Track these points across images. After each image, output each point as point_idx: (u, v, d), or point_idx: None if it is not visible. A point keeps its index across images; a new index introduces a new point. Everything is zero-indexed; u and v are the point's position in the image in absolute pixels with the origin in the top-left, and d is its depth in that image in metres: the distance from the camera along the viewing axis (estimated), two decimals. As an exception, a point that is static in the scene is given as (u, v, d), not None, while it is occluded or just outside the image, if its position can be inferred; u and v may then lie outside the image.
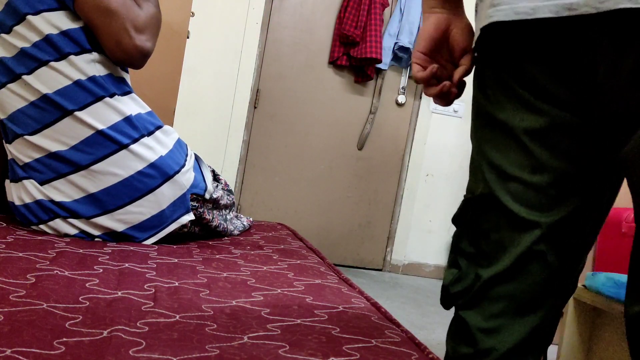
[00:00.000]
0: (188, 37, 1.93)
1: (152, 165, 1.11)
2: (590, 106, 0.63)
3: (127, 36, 1.09)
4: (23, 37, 1.07)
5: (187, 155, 1.20)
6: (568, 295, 0.72)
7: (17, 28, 1.08)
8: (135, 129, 1.11)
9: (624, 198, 2.81)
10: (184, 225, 1.19)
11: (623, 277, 1.71)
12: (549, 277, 0.68)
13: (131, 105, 1.13)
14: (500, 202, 0.68)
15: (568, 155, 0.66)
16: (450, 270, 0.75)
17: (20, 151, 1.10)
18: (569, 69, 0.63)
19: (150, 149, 1.12)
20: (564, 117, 0.64)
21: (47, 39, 1.07)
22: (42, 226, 1.09)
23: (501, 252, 0.68)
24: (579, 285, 1.88)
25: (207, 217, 1.24)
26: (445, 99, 0.77)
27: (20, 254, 0.90)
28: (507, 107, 0.67)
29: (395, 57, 3.33)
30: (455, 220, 0.76)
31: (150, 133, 1.13)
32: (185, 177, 1.16)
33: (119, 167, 1.08)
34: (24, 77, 1.07)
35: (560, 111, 0.64)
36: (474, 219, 0.72)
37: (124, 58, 1.11)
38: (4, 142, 1.15)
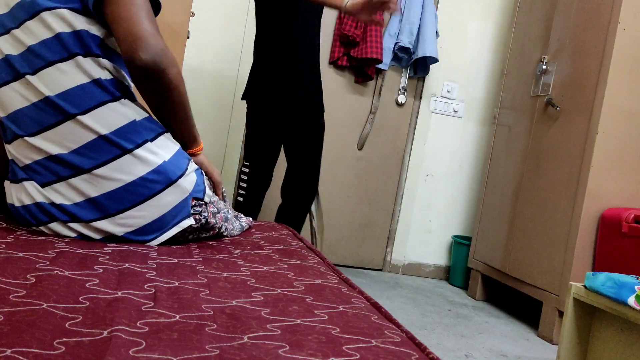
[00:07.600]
0: (188, 37, 1.93)
1: (156, 171, 1.09)
2: None
3: (150, 28, 1.04)
4: (33, 33, 1.05)
5: (189, 160, 1.19)
6: None
7: (29, 23, 1.05)
8: (138, 133, 1.09)
9: (624, 198, 2.83)
10: (188, 232, 1.19)
11: (623, 277, 1.71)
12: None
13: (135, 110, 1.12)
14: None
15: None
16: None
17: (19, 152, 1.09)
18: None
19: (154, 154, 1.10)
20: None
21: (58, 37, 1.04)
22: (41, 227, 1.09)
23: None
24: (579, 285, 1.88)
25: (212, 221, 1.24)
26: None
27: (20, 254, 0.90)
28: None
29: (396, 57, 3.33)
30: None
31: (153, 138, 1.12)
32: (188, 181, 1.15)
33: (121, 172, 1.06)
34: (27, 77, 1.05)
35: None
36: None
37: (138, 46, 1.02)
38: (3, 142, 1.14)
